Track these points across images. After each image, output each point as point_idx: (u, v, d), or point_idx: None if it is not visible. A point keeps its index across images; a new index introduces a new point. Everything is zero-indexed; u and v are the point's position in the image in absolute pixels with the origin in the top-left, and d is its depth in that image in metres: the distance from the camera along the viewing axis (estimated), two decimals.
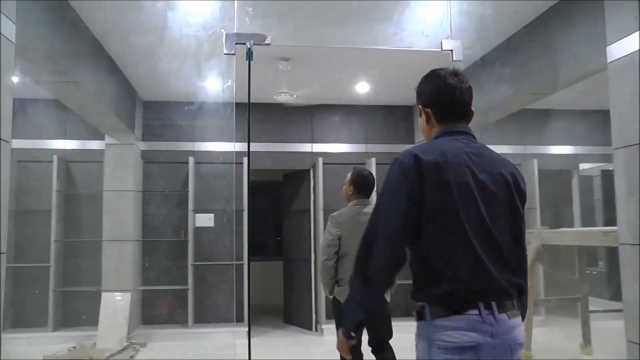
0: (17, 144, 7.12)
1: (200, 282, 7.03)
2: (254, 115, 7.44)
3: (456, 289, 1.75)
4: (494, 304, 1.74)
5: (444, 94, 1.97)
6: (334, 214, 4.00)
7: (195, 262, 6.95)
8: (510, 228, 1.86)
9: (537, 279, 6.87)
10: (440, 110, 1.99)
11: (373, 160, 7.15)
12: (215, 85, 6.29)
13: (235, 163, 7.24)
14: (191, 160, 7.00)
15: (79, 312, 6.96)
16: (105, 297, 6.56)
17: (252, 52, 3.64)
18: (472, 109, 2.01)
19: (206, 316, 7.03)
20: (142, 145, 7.28)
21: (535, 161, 7.28)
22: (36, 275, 6.85)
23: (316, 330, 7.16)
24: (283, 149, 7.47)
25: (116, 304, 6.50)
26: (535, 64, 4.70)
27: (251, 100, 7.16)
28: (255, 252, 9.86)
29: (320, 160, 7.09)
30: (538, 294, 6.85)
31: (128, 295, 6.56)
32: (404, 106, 7.67)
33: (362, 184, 4.05)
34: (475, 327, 1.72)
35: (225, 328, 6.75)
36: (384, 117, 7.64)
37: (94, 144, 7.08)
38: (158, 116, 7.34)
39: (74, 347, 6.35)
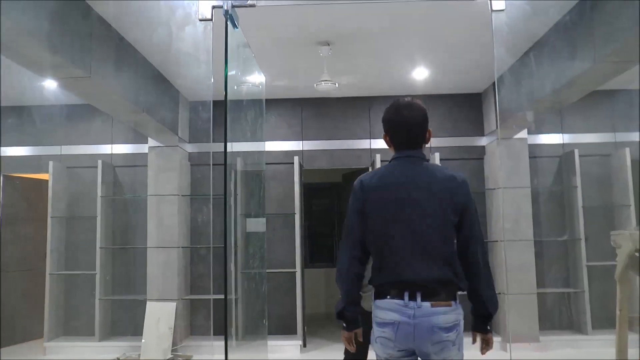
0: (66, 150, 7.08)
1: (249, 291, 6.63)
2: (307, 111, 7.02)
3: (388, 281, 2.36)
4: (418, 293, 2.29)
5: (397, 127, 2.55)
6: None
7: (244, 270, 6.56)
8: (440, 233, 2.35)
9: (633, 289, 5.95)
10: (394, 138, 2.56)
11: (437, 156, 6.54)
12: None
13: (285, 163, 6.84)
14: (239, 161, 6.64)
15: (125, 321, 6.77)
16: (150, 306, 6.31)
17: (232, 17, 3.16)
18: (429, 130, 2.63)
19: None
20: (190, 148, 7.02)
21: (628, 150, 6.36)
22: (84, 283, 6.73)
23: None
24: (339, 146, 6.98)
25: (161, 314, 6.22)
26: (619, 24, 3.93)
27: (294, 94, 6.77)
28: (317, 257, 9.40)
29: (379, 157, 6.53)
30: (634, 309, 5.91)
31: (173, 305, 6.27)
32: (471, 94, 6.99)
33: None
34: (397, 310, 2.30)
35: (276, 341, 6.28)
36: (449, 108, 7.00)
37: (141, 148, 6.87)
38: (204, 117, 7.07)
39: (118, 359, 6.13)
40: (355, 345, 2.49)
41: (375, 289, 2.39)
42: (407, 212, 2.34)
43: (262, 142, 6.11)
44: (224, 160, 3.77)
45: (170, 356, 6.06)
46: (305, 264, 9.04)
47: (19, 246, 7.03)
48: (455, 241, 2.38)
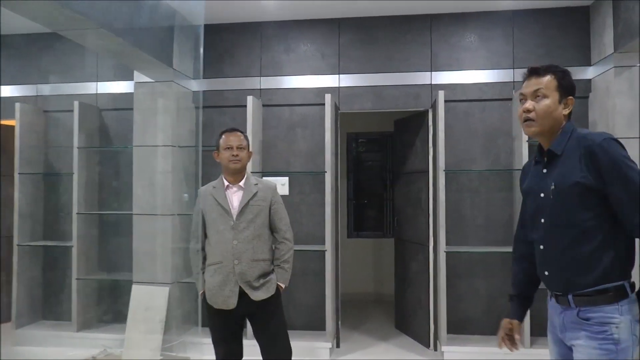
0: (42, 90, 5.82)
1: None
2: (346, 34, 5.43)
3: None
4: None
5: None
6: None
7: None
8: None
9: None
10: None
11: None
12: None
13: (316, 104, 5.31)
14: (250, 101, 5.13)
15: (111, 306, 5.55)
16: (136, 291, 5.02)
17: None
18: None
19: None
20: (195, 85, 5.56)
21: None
22: (62, 258, 5.53)
23: (434, 348, 5.08)
24: (389, 81, 5.36)
25: (150, 302, 4.92)
26: None
27: (328, 12, 5.14)
28: (364, 225, 7.95)
29: (442, 95, 4.89)
30: None
31: (165, 290, 4.95)
32: (574, 8, 5.19)
33: None
34: None
35: (300, 341, 4.85)
36: (542, 28, 5.25)
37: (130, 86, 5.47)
38: (213, 44, 5.59)
39: (94, 358, 4.89)
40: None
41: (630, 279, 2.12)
42: None
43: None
44: None
45: (159, 358, 4.77)
46: (349, 234, 7.62)
47: None
48: None
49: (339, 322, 5.31)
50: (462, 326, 5.20)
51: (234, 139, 3.38)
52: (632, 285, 2.07)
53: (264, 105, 5.46)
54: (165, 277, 5.02)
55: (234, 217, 3.31)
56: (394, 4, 5.11)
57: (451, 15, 5.34)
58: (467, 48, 5.33)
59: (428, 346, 5.16)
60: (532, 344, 4.79)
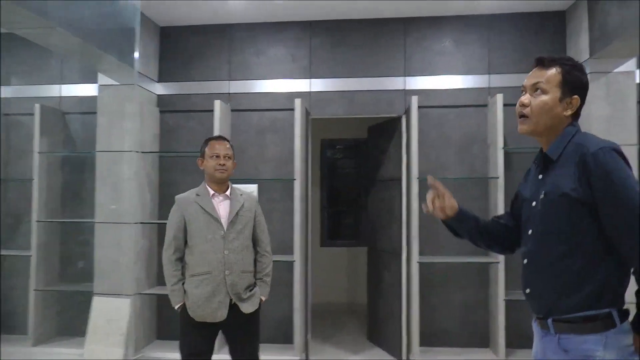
0: (5, 92, 5.61)
1: None
2: (318, 37, 5.30)
3: None
4: None
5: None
6: None
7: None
8: None
9: None
10: (580, 108, 1.98)
11: (499, 99, 4.73)
12: None
13: (286, 110, 5.17)
14: (218, 105, 4.97)
15: (71, 320, 5.32)
16: (97, 303, 4.82)
17: None
18: None
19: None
20: (160, 89, 5.39)
21: None
22: (21, 268, 5.30)
23: None
24: (362, 86, 5.23)
25: (111, 314, 4.72)
26: None
27: (300, 14, 4.98)
28: (338, 234, 7.83)
29: (415, 101, 4.76)
30: None
31: (126, 302, 4.75)
32: (549, 13, 5.11)
33: None
34: None
35: (268, 356, 4.68)
36: (519, 32, 5.17)
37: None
38: (180, 46, 5.43)
39: None
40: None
41: (619, 307, 1.83)
42: None
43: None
44: None
45: None
46: (323, 242, 7.48)
47: None
48: None
49: (309, 334, 5.16)
50: (435, 338, 5.07)
51: (221, 148, 3.32)
52: (624, 314, 1.82)
53: (232, 110, 5.31)
54: (128, 289, 4.83)
55: (225, 226, 3.23)
56: (367, 6, 4.99)
57: (426, 19, 5.22)
58: (441, 52, 5.22)
59: (400, 358, 5.02)
60: (507, 355, 4.67)
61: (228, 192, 3.35)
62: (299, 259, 4.80)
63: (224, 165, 3.28)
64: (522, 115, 1.97)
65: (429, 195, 2.17)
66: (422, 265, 4.80)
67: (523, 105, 1.96)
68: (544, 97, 1.92)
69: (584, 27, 4.67)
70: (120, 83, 4.94)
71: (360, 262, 7.06)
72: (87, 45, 4.10)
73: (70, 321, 5.35)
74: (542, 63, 1.96)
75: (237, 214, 3.29)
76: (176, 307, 3.23)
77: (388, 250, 5.35)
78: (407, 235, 4.96)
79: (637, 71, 4.56)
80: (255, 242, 3.41)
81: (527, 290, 1.99)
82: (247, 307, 3.25)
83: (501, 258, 4.64)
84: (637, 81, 4.54)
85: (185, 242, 3.27)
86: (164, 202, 5.32)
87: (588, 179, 1.77)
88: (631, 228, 1.71)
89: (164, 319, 5.28)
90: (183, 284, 3.24)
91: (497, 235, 2.21)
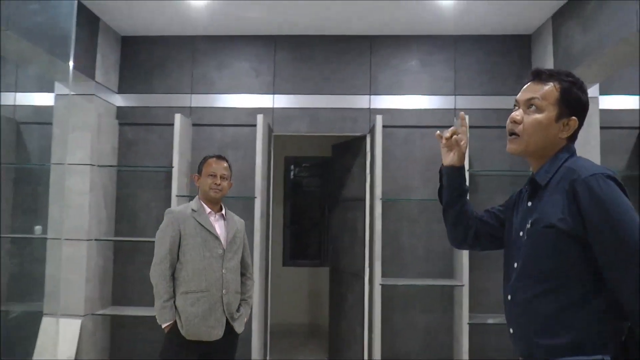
0: None
1: None
2: (283, 52, 5.22)
3: None
4: None
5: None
6: None
7: None
8: None
9: None
10: (578, 130, 1.80)
11: (465, 120, 4.67)
12: None
13: (249, 126, 5.05)
14: (178, 119, 4.84)
15: (20, 342, 5.07)
16: (46, 324, 4.61)
17: None
18: None
19: None
20: (120, 100, 5.24)
21: None
22: None
23: None
24: (326, 104, 5.16)
25: (60, 337, 4.52)
26: None
27: (264, 28, 4.90)
28: (300, 253, 7.71)
29: (380, 120, 4.71)
30: None
31: (77, 324, 4.56)
32: (516, 36, 5.13)
33: None
34: None
35: None
36: (484, 55, 5.18)
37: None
38: (141, 57, 5.29)
39: None
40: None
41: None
42: None
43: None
44: None
45: None
46: (285, 262, 7.37)
47: None
48: None
49: (268, 356, 5.03)
50: None
51: (218, 167, 3.33)
52: None
53: (193, 125, 5.18)
54: (79, 309, 4.64)
55: (224, 245, 3.25)
56: (333, 23, 4.94)
57: (392, 37, 5.19)
58: (408, 72, 5.19)
59: None
60: None
61: (223, 212, 3.36)
62: (259, 278, 4.68)
63: (219, 185, 3.29)
64: (513, 133, 1.77)
65: (452, 129, 1.99)
66: (385, 287, 4.71)
67: (514, 122, 1.76)
68: (538, 116, 1.72)
69: (549, 52, 4.69)
70: (77, 93, 4.78)
71: (323, 282, 6.97)
72: (39, 51, 3.94)
73: (18, 343, 5.13)
74: (539, 77, 1.77)
75: (234, 234, 3.32)
76: (164, 326, 3.15)
77: (351, 271, 5.27)
78: (370, 256, 4.89)
79: (601, 97, 4.59)
80: (241, 264, 3.41)
81: (511, 330, 1.77)
82: (238, 327, 3.27)
83: (466, 281, 4.59)
84: (600, 107, 4.56)
85: (177, 258, 3.22)
86: (122, 217, 5.16)
87: (579, 209, 1.57)
88: (632, 271, 1.48)
89: (117, 341, 5.09)
90: (174, 301, 3.17)
91: (468, 218, 2.04)
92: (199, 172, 3.37)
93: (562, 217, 1.59)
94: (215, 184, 3.27)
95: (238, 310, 3.30)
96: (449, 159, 2.00)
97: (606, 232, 1.52)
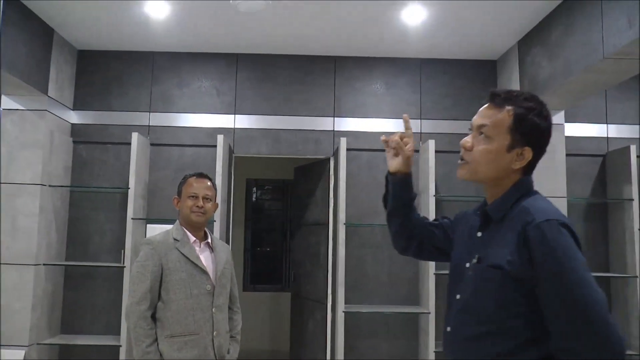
0: None
1: None
2: (244, 71, 5.10)
3: None
4: None
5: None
6: None
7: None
8: None
9: None
10: (538, 158, 1.65)
11: (431, 145, 4.65)
12: None
13: (209, 146, 4.90)
14: (136, 138, 4.66)
15: None
16: None
17: None
18: None
19: None
20: (75, 117, 5.04)
21: None
22: None
23: None
24: (288, 125, 5.05)
25: None
26: None
27: (224, 46, 4.78)
28: (261, 278, 7.57)
29: (344, 142, 4.62)
30: None
31: (20, 354, 4.29)
32: (481, 61, 5.15)
33: None
34: None
35: None
36: (450, 79, 5.15)
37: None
38: (98, 72, 5.12)
39: None
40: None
41: None
42: None
43: None
44: None
45: None
46: (245, 286, 7.21)
47: None
48: None
49: None
50: None
51: (199, 187, 2.93)
52: None
53: (152, 144, 5.01)
54: (23, 338, 4.37)
55: (213, 279, 2.87)
56: (296, 42, 4.86)
57: (357, 59, 5.13)
58: (372, 94, 5.13)
59: None
60: None
61: (209, 240, 2.99)
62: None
63: (201, 207, 2.89)
64: (463, 159, 1.66)
65: (399, 134, 1.85)
66: (348, 314, 4.59)
67: (464, 148, 1.64)
68: (487, 146, 1.59)
69: (514, 78, 4.69)
70: (28, 108, 4.57)
71: (284, 307, 6.81)
72: None
73: None
74: (493, 100, 1.63)
75: (223, 266, 2.96)
76: None
77: (313, 297, 5.14)
78: (332, 282, 4.76)
79: (566, 124, 4.60)
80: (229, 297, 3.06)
81: None
82: None
83: (432, 309, 4.49)
84: (566, 134, 4.56)
85: (158, 296, 2.82)
86: (74, 241, 4.93)
87: (529, 254, 1.46)
88: (575, 326, 1.39)
89: None
90: (158, 345, 2.77)
91: (412, 228, 1.93)
92: (179, 194, 2.98)
93: (511, 259, 1.49)
94: (197, 206, 2.87)
95: (228, 351, 2.97)
96: (394, 164, 1.89)
97: (554, 282, 1.42)
